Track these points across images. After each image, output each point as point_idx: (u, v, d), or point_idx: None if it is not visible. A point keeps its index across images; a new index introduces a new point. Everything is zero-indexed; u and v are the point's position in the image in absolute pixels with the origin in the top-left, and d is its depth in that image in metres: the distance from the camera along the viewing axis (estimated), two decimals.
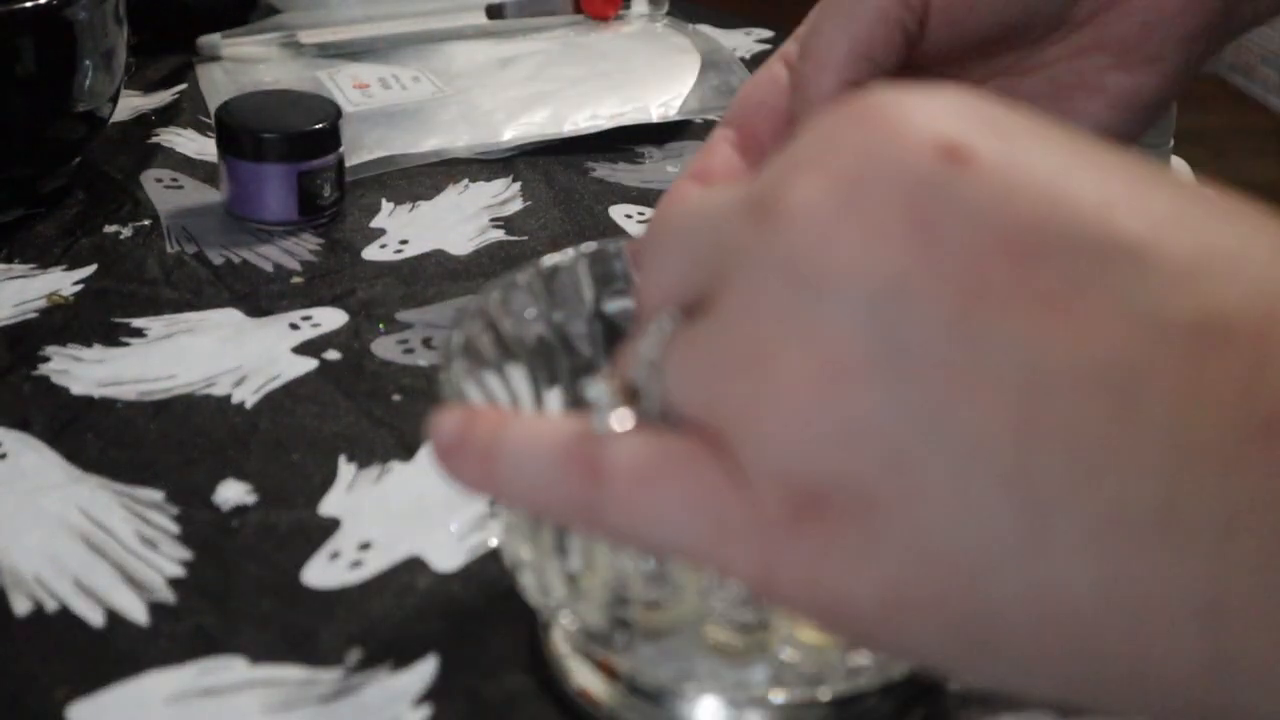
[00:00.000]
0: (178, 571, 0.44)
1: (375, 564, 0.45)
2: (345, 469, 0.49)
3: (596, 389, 0.25)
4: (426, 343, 0.58)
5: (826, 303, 0.22)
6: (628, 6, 0.91)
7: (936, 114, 0.23)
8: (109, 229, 0.66)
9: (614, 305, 0.40)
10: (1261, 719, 0.20)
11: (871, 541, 0.22)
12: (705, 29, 0.92)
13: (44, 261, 0.63)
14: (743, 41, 0.93)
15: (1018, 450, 0.21)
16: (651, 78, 0.82)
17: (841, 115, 0.23)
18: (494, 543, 0.46)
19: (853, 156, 0.22)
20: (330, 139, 0.66)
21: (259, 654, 0.41)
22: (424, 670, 0.40)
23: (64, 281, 0.61)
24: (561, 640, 0.40)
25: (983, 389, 0.21)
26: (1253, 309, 0.20)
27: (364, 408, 0.53)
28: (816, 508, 0.22)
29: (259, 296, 0.60)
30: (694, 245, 0.25)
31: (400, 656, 0.41)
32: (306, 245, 0.65)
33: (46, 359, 0.55)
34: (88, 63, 0.64)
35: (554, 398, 0.40)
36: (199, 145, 0.74)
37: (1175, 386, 0.20)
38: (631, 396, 0.25)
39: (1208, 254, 0.21)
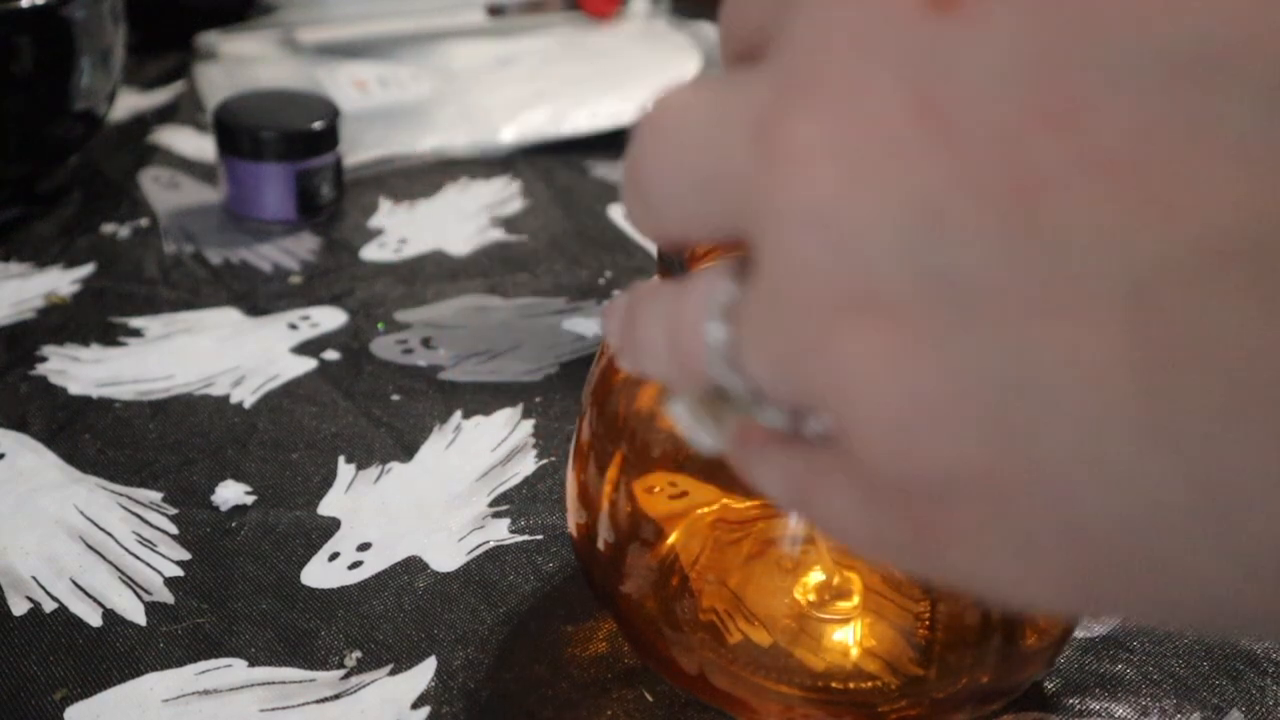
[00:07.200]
0: (176, 572, 0.44)
1: (374, 564, 0.45)
2: (344, 469, 0.49)
3: (676, 408, 0.21)
4: (426, 342, 0.57)
5: (855, 258, 0.17)
6: (627, 4, 0.91)
7: None
8: (106, 228, 0.66)
9: None
10: None
11: (1009, 528, 0.17)
12: (705, 27, 0.92)
13: (41, 261, 0.62)
14: None
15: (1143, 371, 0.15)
16: (651, 76, 0.82)
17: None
18: (492, 543, 0.46)
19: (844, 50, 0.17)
20: (329, 138, 0.66)
21: (258, 655, 0.41)
22: (423, 671, 0.40)
23: (61, 281, 0.61)
24: None
25: (1078, 307, 0.15)
26: None
27: (363, 408, 0.53)
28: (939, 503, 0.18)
29: (257, 296, 0.60)
30: (700, 179, 0.19)
31: (399, 658, 0.41)
32: (305, 245, 0.65)
33: (44, 359, 0.55)
34: (85, 61, 0.64)
35: None
36: (197, 144, 0.74)
37: None
38: (716, 401, 0.21)
39: None
